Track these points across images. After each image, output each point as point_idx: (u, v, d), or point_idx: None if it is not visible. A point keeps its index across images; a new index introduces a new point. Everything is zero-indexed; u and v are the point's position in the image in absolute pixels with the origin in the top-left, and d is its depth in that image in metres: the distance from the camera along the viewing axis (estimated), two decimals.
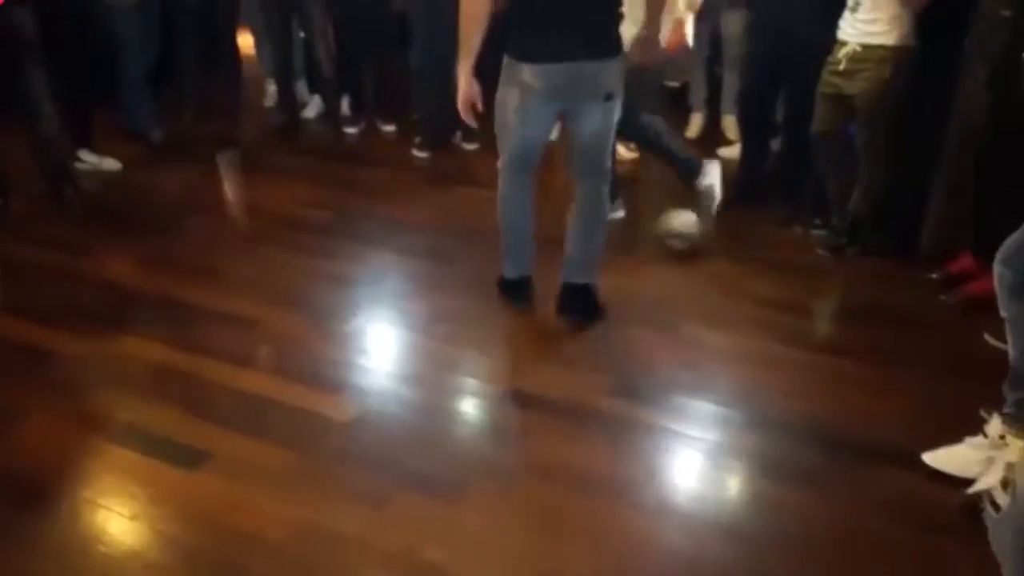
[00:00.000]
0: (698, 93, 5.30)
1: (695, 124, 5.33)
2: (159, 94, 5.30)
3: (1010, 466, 2.06)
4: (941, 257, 3.54)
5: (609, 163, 3.09)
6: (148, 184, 4.55)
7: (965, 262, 3.36)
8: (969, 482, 2.26)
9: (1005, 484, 2.01)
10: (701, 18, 4.26)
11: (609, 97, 2.88)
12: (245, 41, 5.71)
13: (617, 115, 2.97)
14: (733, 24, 4.86)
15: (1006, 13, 3.11)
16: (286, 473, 2.35)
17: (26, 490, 2.27)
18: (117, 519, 2.18)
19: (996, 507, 2.02)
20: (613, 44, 2.84)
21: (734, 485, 2.41)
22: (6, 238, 3.82)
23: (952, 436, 2.39)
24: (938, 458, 2.37)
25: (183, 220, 4.09)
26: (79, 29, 4.45)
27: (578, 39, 2.77)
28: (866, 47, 3.37)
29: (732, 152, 4.95)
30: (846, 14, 3.44)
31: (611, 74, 2.85)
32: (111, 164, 4.65)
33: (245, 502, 2.24)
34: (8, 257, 3.66)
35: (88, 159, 4.61)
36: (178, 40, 5.26)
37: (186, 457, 2.39)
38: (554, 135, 5.23)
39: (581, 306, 3.15)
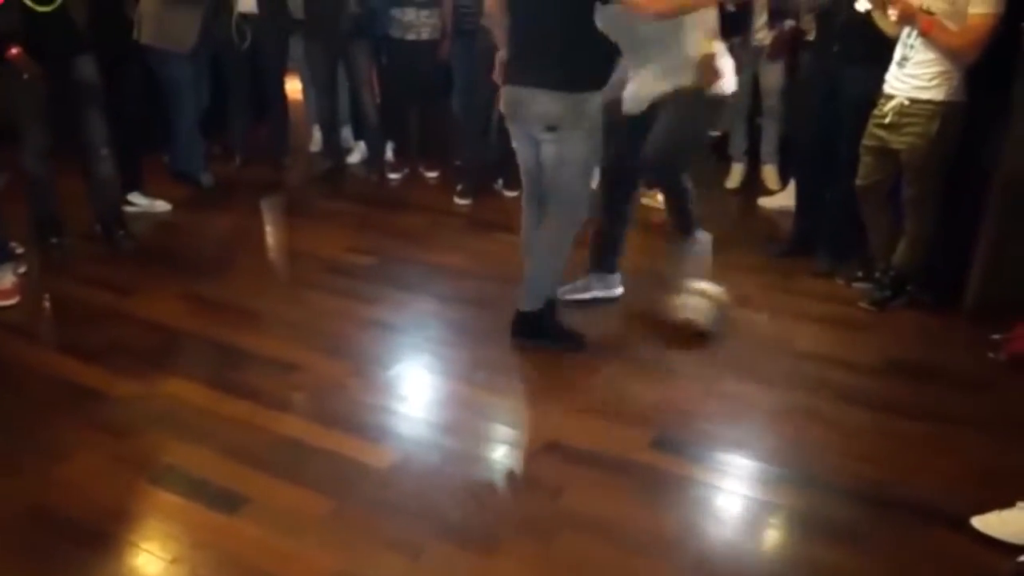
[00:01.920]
0: (738, 143, 5.31)
1: (735, 174, 5.33)
2: (209, 138, 5.45)
3: None
4: (986, 312, 3.48)
5: (572, 199, 3.14)
6: (196, 227, 4.65)
7: None
8: (1020, 549, 2.20)
9: None
10: (739, 70, 4.28)
11: (552, 128, 3.00)
12: (293, 87, 5.85)
13: (575, 152, 3.04)
14: (772, 75, 4.89)
15: None
16: (323, 520, 2.35)
17: (68, 529, 2.30)
18: (157, 562, 2.20)
19: None
20: (564, 78, 2.95)
21: (775, 543, 2.36)
22: (60, 277, 3.92)
23: (1003, 500, 2.33)
24: (988, 523, 2.31)
25: (229, 263, 4.17)
26: (135, 75, 4.60)
27: (531, 66, 3.02)
28: (915, 101, 3.36)
29: (772, 202, 4.94)
30: (893, 68, 3.44)
31: (552, 106, 2.97)
32: (162, 206, 4.77)
33: (282, 548, 2.24)
34: (60, 295, 3.76)
35: (139, 202, 4.73)
36: (228, 86, 5.42)
37: (225, 501, 2.40)
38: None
39: (521, 330, 3.27)
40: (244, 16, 5.18)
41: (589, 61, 3.00)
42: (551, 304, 3.28)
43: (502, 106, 3.18)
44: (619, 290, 3.76)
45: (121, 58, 4.40)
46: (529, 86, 3.01)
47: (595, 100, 3.03)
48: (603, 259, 3.69)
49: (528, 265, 3.25)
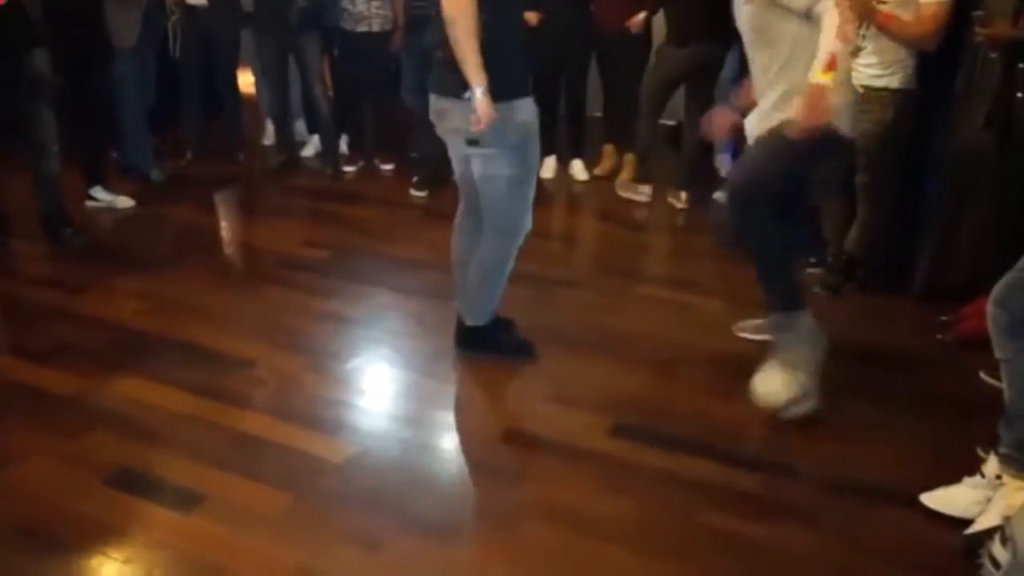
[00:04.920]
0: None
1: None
2: (160, 133, 5.36)
3: (1008, 520, 2.03)
4: (935, 295, 3.56)
5: (504, 215, 2.90)
6: (147, 223, 4.57)
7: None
8: (968, 522, 2.26)
9: (1004, 540, 1.98)
10: None
11: (472, 143, 2.75)
12: (245, 80, 5.77)
13: (500, 167, 2.78)
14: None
15: (993, 55, 3.16)
16: (281, 516, 2.33)
17: (20, 533, 2.25)
18: (111, 563, 2.17)
19: (996, 564, 2.00)
20: (457, 85, 2.66)
21: (728, 525, 2.39)
22: (5, 277, 3.83)
23: (950, 476, 2.39)
24: (936, 499, 2.37)
25: (181, 259, 4.10)
26: (101, 70, 4.53)
27: (442, 73, 2.75)
28: (869, 89, 3.42)
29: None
30: None
31: (455, 116, 2.73)
32: (124, 202, 4.69)
33: (240, 545, 2.22)
34: (7, 295, 3.67)
35: (102, 197, 4.65)
36: (178, 80, 5.33)
37: (181, 500, 2.37)
38: (551, 172, 5.37)
39: (466, 342, 3.18)
40: (193, 9, 5.09)
41: (504, 68, 2.66)
42: (497, 320, 3.17)
43: (430, 114, 2.91)
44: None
45: (88, 53, 4.35)
46: (444, 95, 2.76)
47: (521, 109, 2.75)
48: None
49: (466, 280, 3.08)
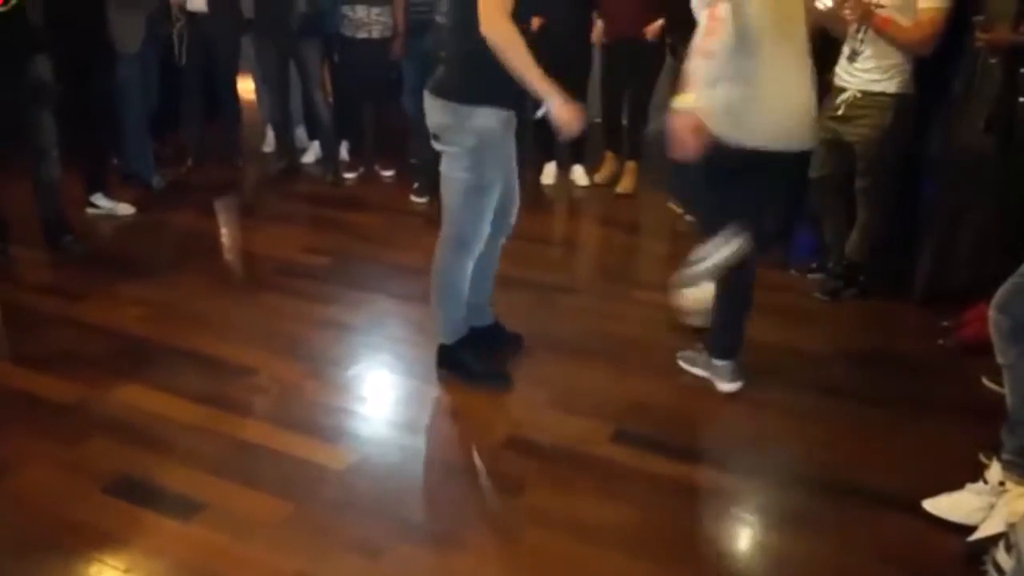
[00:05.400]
0: None
1: None
2: (161, 140, 5.37)
3: (1012, 527, 2.02)
4: (935, 300, 3.56)
5: (452, 221, 2.88)
6: (147, 230, 4.57)
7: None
8: (970, 528, 2.25)
9: (1008, 547, 1.97)
10: None
11: (435, 138, 2.80)
12: (245, 87, 5.78)
13: (454, 167, 2.78)
14: None
15: (993, 60, 3.16)
16: (281, 524, 2.32)
17: (20, 541, 2.24)
18: (111, 571, 2.15)
19: (1000, 571, 1.99)
20: (449, 86, 2.72)
21: (732, 532, 2.39)
22: (6, 283, 3.83)
23: (953, 482, 2.38)
24: (939, 505, 2.36)
25: (182, 266, 4.10)
26: (104, 76, 4.54)
27: (436, 72, 2.82)
28: (867, 94, 3.42)
29: None
30: (842, 62, 3.50)
31: (435, 114, 2.76)
32: (125, 209, 4.68)
33: (240, 554, 2.21)
34: (7, 302, 3.66)
35: (102, 204, 4.65)
36: (179, 87, 5.33)
37: (181, 508, 2.36)
38: (551, 179, 5.38)
39: (441, 362, 3.08)
40: (193, 15, 5.10)
41: (479, 72, 2.63)
42: (464, 341, 3.06)
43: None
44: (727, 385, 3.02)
45: (91, 59, 4.35)
46: (429, 91, 2.80)
47: (483, 116, 2.69)
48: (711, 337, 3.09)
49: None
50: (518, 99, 2.75)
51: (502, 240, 3.10)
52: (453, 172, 2.81)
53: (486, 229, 2.90)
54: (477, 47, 2.58)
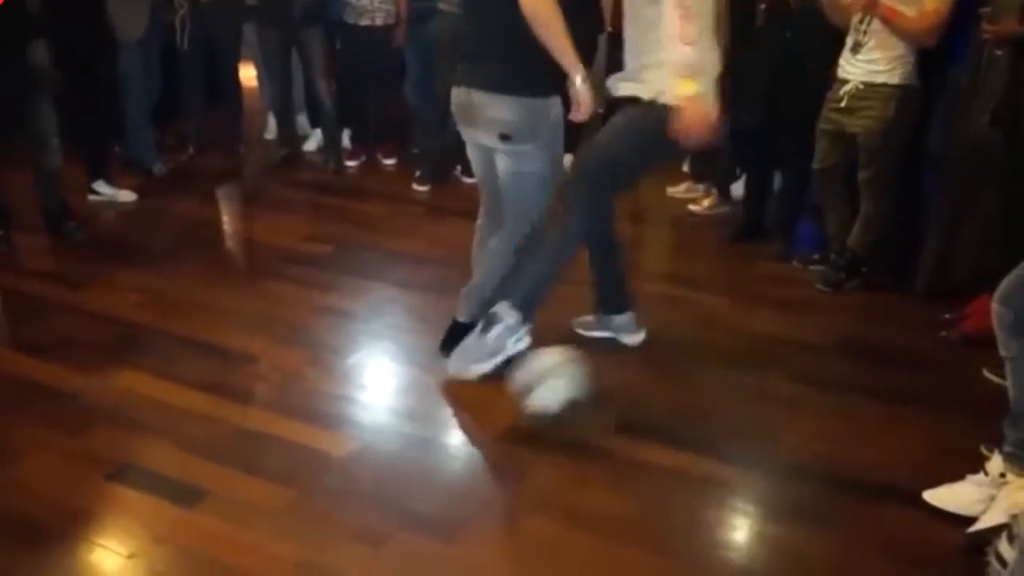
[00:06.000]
0: None
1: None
2: (162, 127, 5.36)
3: (1015, 518, 2.02)
4: (938, 293, 3.56)
5: (527, 213, 2.81)
6: (149, 217, 4.57)
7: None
8: (971, 520, 2.25)
9: (1011, 538, 1.97)
10: None
11: (504, 138, 2.72)
12: (247, 74, 5.76)
13: (531, 164, 2.73)
14: None
15: (999, 52, 3.15)
16: (284, 511, 2.33)
17: (22, 528, 2.25)
18: (115, 558, 2.16)
19: (1003, 562, 1.99)
20: (517, 81, 2.66)
21: (733, 523, 2.39)
22: (8, 271, 3.83)
23: (954, 473, 2.38)
24: (939, 496, 2.36)
25: (183, 253, 4.10)
26: (106, 63, 4.53)
27: (478, 67, 2.75)
28: (870, 85, 3.41)
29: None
30: (846, 53, 3.49)
31: (505, 112, 2.69)
32: (127, 196, 4.68)
33: (243, 541, 2.22)
34: (9, 290, 3.66)
35: (104, 191, 4.64)
36: (181, 74, 5.32)
37: (184, 495, 2.37)
38: None
39: (455, 342, 2.96)
40: (195, 2, 5.08)
41: (544, 63, 2.62)
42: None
43: (452, 108, 2.89)
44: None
45: (91, 46, 4.34)
46: (480, 89, 2.72)
47: (554, 106, 2.73)
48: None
49: (477, 277, 3.01)
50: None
51: None
52: (527, 168, 2.75)
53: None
54: (526, 36, 2.56)
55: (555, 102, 2.73)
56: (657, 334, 3.34)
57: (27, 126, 3.94)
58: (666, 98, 2.67)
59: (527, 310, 2.78)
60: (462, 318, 3.06)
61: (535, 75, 2.66)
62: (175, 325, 3.34)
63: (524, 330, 2.77)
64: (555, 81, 2.71)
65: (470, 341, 2.80)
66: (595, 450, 2.63)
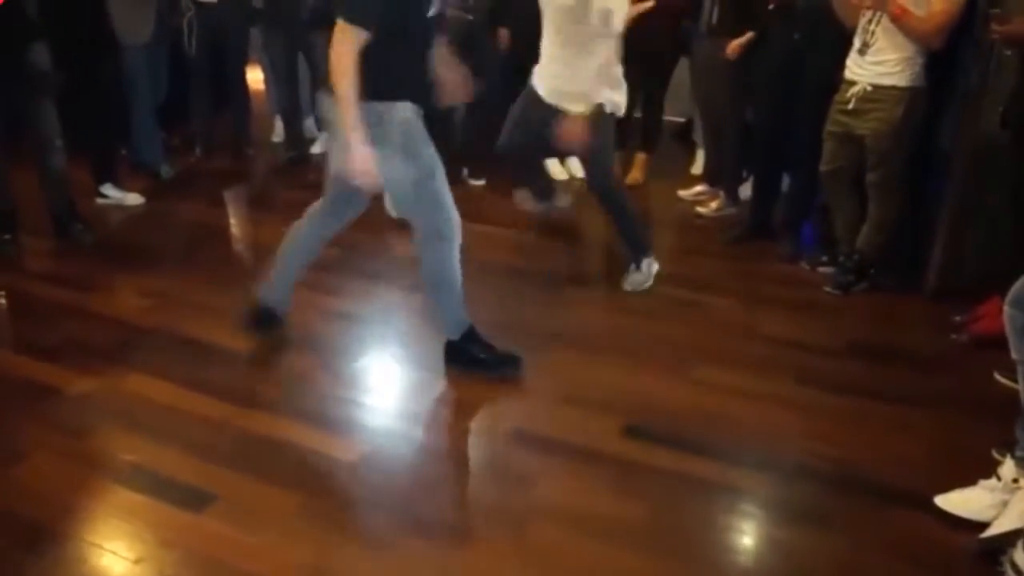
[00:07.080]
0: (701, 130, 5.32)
1: (699, 160, 5.35)
2: (169, 130, 5.37)
3: None
4: (948, 294, 3.54)
5: (424, 222, 2.83)
6: (156, 220, 4.57)
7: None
8: (982, 525, 2.24)
9: None
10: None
11: None
12: (254, 77, 5.76)
13: (394, 172, 2.70)
14: None
15: (1008, 53, 3.13)
16: (292, 515, 2.32)
17: (29, 532, 2.25)
18: (122, 563, 2.16)
19: (1018, 571, 1.97)
20: (364, 85, 2.58)
21: (742, 527, 2.38)
22: (14, 273, 3.83)
23: (965, 477, 2.37)
24: (950, 501, 2.34)
25: (191, 256, 4.10)
26: (110, 66, 4.53)
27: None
28: (878, 87, 3.40)
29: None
30: (853, 55, 3.47)
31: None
32: (135, 199, 4.69)
33: (251, 545, 2.21)
34: (15, 292, 3.67)
35: (112, 194, 4.65)
36: (188, 77, 5.33)
37: (192, 499, 2.37)
38: (560, 173, 5.36)
39: (450, 358, 3.08)
40: (202, 5, 5.09)
41: (385, 68, 2.58)
42: (471, 331, 3.03)
43: None
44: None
45: (92, 48, 4.33)
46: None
47: (397, 111, 2.68)
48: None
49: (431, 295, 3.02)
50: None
51: (338, 228, 3.19)
52: (396, 176, 2.74)
53: (452, 212, 2.85)
54: (384, 44, 2.59)
55: (395, 107, 2.68)
56: (664, 337, 3.33)
57: (30, 128, 3.94)
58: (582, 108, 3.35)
59: (643, 244, 3.80)
60: (447, 336, 3.05)
61: (379, 79, 2.59)
62: (183, 328, 3.34)
63: (651, 256, 3.79)
64: (405, 89, 2.69)
65: (637, 276, 3.77)
66: (604, 455, 2.62)
